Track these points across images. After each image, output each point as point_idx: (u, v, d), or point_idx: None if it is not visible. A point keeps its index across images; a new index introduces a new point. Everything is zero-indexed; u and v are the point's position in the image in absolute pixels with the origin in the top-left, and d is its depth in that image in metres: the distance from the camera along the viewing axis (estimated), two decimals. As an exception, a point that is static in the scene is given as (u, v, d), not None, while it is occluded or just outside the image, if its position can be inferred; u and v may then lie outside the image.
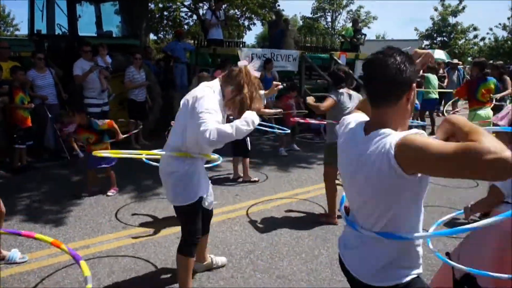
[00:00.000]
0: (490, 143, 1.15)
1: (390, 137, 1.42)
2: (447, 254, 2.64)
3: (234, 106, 2.68)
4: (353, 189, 1.66)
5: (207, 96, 2.59)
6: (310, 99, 4.49)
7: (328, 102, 4.29)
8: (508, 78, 8.05)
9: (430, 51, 1.84)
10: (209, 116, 2.48)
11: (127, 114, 8.07)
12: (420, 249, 1.63)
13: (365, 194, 1.57)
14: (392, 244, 1.56)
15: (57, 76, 7.12)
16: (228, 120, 2.78)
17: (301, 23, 36.32)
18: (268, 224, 4.49)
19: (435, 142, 1.29)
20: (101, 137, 5.18)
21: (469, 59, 30.93)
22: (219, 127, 2.46)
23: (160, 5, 18.91)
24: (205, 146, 2.65)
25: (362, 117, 1.74)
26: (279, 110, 5.42)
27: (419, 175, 1.42)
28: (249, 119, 2.58)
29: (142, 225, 4.43)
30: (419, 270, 1.62)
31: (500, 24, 34.90)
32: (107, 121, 5.21)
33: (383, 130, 1.47)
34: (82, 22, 8.66)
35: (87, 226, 4.36)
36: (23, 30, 32.41)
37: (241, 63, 2.78)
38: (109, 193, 5.28)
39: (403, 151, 1.36)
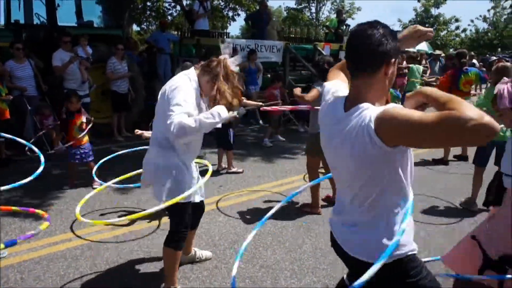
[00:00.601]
0: (470, 111, 1.20)
1: (369, 111, 1.45)
2: (473, 237, 2.25)
3: (210, 99, 2.64)
4: (338, 166, 1.68)
5: (181, 85, 2.53)
6: (297, 90, 4.50)
7: (313, 92, 4.29)
8: None
9: (431, 29, 1.86)
10: (177, 109, 2.43)
11: (109, 105, 7.97)
12: (412, 225, 1.66)
13: (351, 170, 1.59)
14: (385, 221, 1.59)
15: (37, 67, 6.94)
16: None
17: (285, 14, 36.22)
18: (252, 215, 4.50)
19: (416, 113, 1.31)
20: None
21: (451, 50, 31.35)
22: (183, 121, 2.39)
23: (143, -5, 18.60)
24: (173, 139, 2.59)
25: (343, 86, 1.77)
26: (261, 104, 5.40)
27: (401, 147, 1.45)
28: (215, 112, 2.52)
29: (124, 217, 4.38)
30: (414, 246, 1.63)
31: (480, 16, 35.59)
32: None
33: (361, 105, 1.50)
34: (61, 12, 8.45)
35: (68, 219, 4.30)
36: (0, 21, 31.45)
37: (223, 56, 2.72)
38: (94, 186, 5.20)
39: (383, 125, 1.39)
